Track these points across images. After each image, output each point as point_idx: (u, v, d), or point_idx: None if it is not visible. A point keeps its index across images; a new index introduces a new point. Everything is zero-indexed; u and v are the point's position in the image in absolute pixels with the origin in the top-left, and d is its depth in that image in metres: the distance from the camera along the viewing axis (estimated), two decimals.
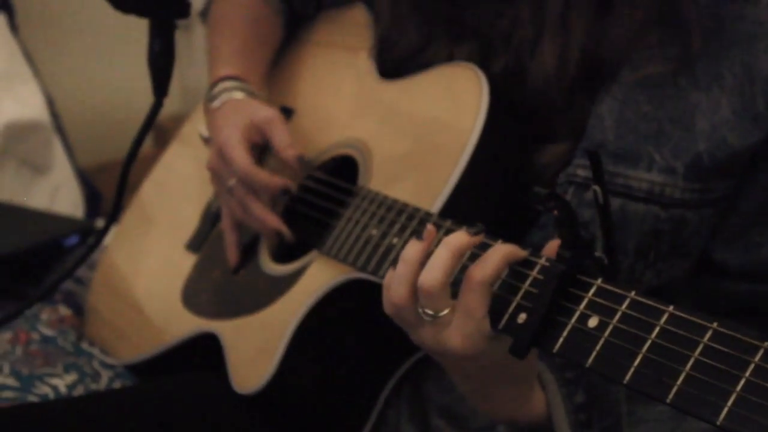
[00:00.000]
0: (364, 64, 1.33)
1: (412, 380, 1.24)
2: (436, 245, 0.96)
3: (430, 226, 0.97)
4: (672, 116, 1.12)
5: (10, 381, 1.35)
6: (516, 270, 0.95)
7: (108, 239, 1.53)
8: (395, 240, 1.11)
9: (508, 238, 0.98)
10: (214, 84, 1.37)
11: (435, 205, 1.12)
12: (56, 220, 2.06)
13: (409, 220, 1.11)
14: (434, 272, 0.94)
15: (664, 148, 1.11)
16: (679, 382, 0.82)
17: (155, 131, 2.48)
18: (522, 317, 0.93)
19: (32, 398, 1.33)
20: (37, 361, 1.39)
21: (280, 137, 1.29)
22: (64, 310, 1.50)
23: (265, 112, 1.31)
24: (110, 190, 1.26)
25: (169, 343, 1.36)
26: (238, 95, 1.35)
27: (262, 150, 1.33)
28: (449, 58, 1.22)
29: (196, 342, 1.33)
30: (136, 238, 1.53)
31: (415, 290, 0.95)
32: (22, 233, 1.89)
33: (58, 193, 2.32)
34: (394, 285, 0.96)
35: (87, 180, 2.40)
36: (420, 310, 0.96)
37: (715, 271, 1.18)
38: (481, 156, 1.13)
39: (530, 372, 1.02)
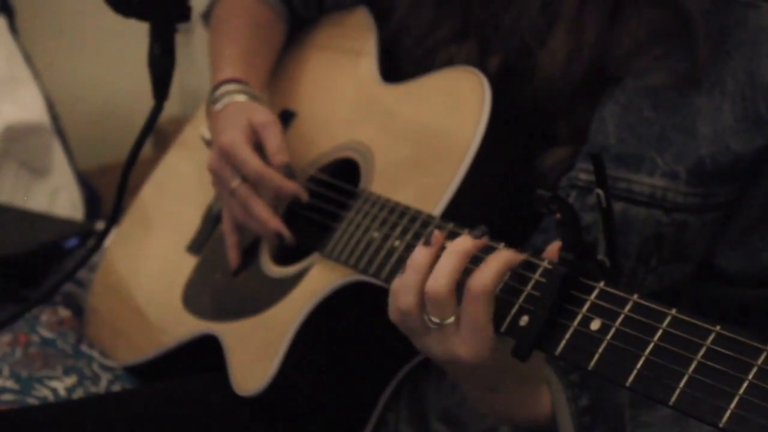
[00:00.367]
0: (366, 67, 1.33)
1: (411, 383, 1.23)
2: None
3: (437, 232, 0.97)
4: (674, 121, 1.12)
5: (10, 383, 1.35)
6: (518, 273, 0.95)
7: (108, 241, 1.53)
8: (397, 243, 1.11)
9: (510, 242, 0.98)
10: (216, 87, 1.36)
11: (437, 209, 1.12)
12: (56, 222, 2.05)
13: (411, 223, 1.11)
14: (441, 279, 0.94)
15: (667, 152, 1.11)
16: (681, 384, 0.82)
17: (155, 134, 2.46)
18: (524, 320, 0.93)
19: (31, 401, 1.33)
20: (36, 364, 1.39)
21: (273, 142, 1.29)
22: (63, 312, 1.50)
23: (262, 116, 1.31)
24: (110, 193, 1.25)
25: (169, 345, 1.36)
26: (240, 98, 1.35)
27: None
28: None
29: (196, 344, 1.33)
30: (137, 240, 1.53)
31: (422, 297, 0.95)
32: (22, 235, 1.89)
33: (58, 196, 2.31)
34: (402, 292, 0.96)
35: (86, 182, 2.40)
36: (426, 318, 0.96)
37: (716, 276, 1.18)
38: (483, 160, 1.13)
39: (534, 373, 1.01)
